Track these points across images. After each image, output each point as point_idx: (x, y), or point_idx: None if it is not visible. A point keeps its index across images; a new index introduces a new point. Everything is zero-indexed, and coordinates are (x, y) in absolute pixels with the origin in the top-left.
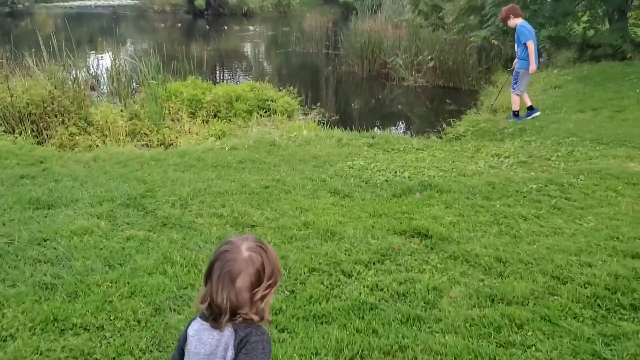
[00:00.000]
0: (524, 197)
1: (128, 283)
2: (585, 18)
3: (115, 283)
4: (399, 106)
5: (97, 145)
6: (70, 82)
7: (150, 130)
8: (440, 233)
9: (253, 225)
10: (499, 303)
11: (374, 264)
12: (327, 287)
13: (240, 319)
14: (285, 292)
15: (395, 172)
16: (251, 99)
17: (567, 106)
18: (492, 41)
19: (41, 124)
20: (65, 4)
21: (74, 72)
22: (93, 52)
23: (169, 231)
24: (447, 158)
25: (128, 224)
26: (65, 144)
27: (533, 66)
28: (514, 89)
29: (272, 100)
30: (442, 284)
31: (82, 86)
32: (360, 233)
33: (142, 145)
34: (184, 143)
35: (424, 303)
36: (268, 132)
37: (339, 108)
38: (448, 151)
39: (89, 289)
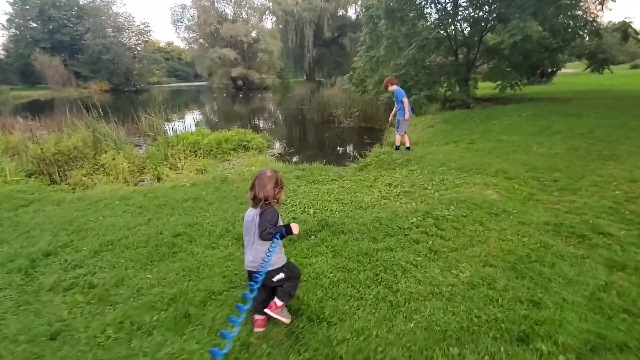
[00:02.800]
0: (405, 235)
1: None
2: (445, 84)
3: None
4: (336, 140)
5: (95, 184)
6: (98, 135)
7: (149, 169)
8: (311, 311)
9: (116, 302)
10: None
11: None
12: None
13: (268, 202)
14: None
15: (304, 208)
16: (235, 140)
17: (437, 140)
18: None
19: (65, 168)
20: (167, 85)
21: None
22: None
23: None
24: (351, 189)
25: (6, 288)
26: (78, 183)
27: (407, 114)
28: (398, 131)
29: (248, 141)
30: None
31: (101, 137)
32: (224, 314)
33: (139, 182)
34: (171, 178)
35: None
36: (231, 167)
37: (296, 143)
38: (354, 181)
39: None
